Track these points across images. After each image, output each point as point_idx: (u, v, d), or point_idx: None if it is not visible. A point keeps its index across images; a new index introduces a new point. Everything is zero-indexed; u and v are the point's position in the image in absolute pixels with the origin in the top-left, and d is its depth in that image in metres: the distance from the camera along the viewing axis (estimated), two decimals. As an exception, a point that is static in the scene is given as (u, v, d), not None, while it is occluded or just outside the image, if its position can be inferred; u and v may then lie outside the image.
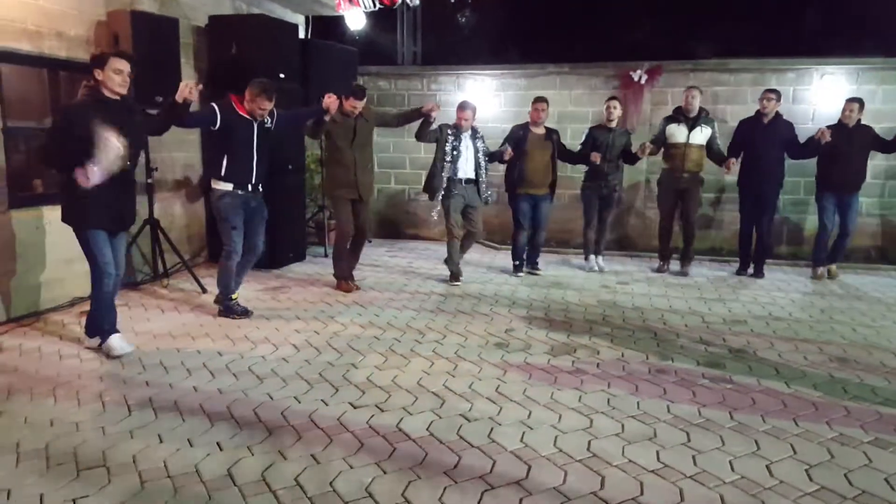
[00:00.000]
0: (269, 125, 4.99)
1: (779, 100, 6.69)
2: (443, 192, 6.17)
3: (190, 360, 4.19)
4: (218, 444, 3.09)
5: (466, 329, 4.96)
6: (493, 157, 6.48)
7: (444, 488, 2.73)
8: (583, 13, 10.73)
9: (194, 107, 4.76)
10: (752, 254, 6.99)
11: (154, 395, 3.64)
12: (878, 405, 3.69)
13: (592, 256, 7.16)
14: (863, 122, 6.69)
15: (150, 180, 5.82)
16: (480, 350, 4.49)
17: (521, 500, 2.66)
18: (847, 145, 6.46)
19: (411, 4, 7.80)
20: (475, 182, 6.25)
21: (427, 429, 3.28)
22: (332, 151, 5.89)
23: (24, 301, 5.02)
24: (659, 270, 7.08)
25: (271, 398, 3.63)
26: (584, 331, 4.98)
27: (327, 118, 5.42)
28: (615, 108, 6.67)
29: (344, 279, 6.04)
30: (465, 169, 6.18)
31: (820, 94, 7.83)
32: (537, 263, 6.96)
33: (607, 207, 6.95)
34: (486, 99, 8.49)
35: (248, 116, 4.82)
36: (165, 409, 3.48)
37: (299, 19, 8.38)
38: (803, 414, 3.55)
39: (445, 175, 6.11)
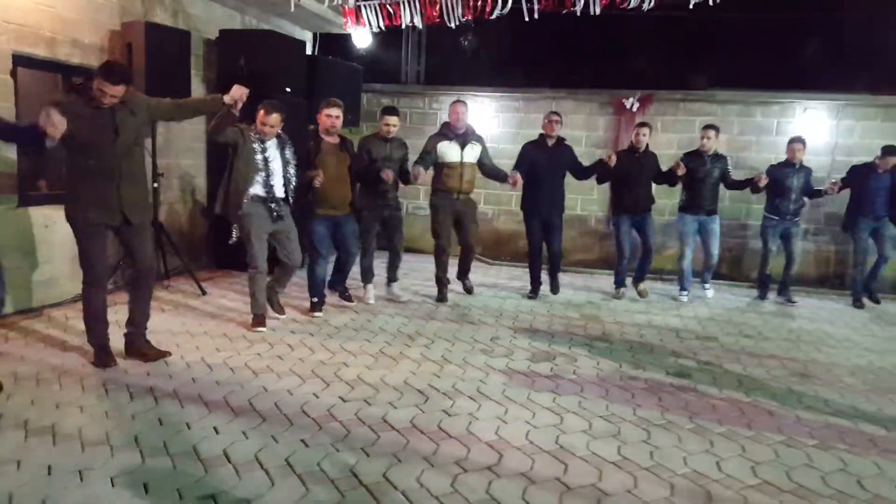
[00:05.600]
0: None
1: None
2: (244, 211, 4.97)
3: (189, 356, 4.44)
4: (215, 428, 3.35)
5: (454, 336, 5.23)
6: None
7: (422, 471, 3.00)
8: (583, 42, 11.14)
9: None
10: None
11: (155, 385, 3.89)
12: (827, 415, 3.97)
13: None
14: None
15: (155, 185, 6.10)
16: (465, 355, 4.76)
17: (490, 482, 2.93)
18: (638, 170, 6.56)
19: (414, 28, 8.14)
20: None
21: (410, 421, 3.55)
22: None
23: (31, 295, 5.26)
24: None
25: (266, 390, 3.89)
26: (565, 341, 5.26)
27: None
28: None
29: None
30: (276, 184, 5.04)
31: (802, 127, 8.15)
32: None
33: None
34: (485, 119, 8.83)
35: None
36: (165, 396, 3.74)
37: (307, 36, 8.73)
38: (758, 420, 3.83)
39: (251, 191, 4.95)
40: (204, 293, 6.09)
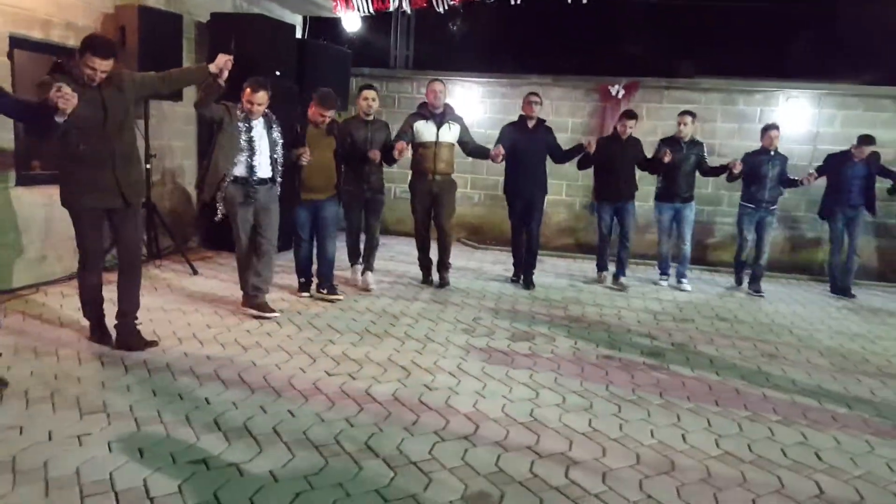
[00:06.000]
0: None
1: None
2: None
3: (181, 332, 4.59)
4: (206, 399, 3.51)
5: (438, 316, 5.40)
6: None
7: (402, 439, 3.18)
8: (571, 28, 11.23)
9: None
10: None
11: (148, 359, 4.05)
12: (793, 394, 4.18)
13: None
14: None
15: (148, 166, 6.20)
16: (448, 334, 4.94)
17: (465, 450, 3.12)
18: (620, 157, 6.60)
19: (403, 12, 8.23)
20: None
21: (392, 394, 3.73)
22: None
23: (28, 273, 5.39)
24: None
25: (255, 364, 4.06)
26: (545, 322, 5.44)
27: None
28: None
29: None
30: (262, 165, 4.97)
31: (785, 115, 8.32)
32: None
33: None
34: (472, 104, 8.95)
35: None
36: (159, 370, 3.89)
37: (297, 20, 8.81)
38: (725, 397, 4.03)
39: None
40: (195, 273, 6.23)
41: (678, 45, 11.99)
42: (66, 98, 3.31)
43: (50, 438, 3.02)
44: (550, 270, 7.53)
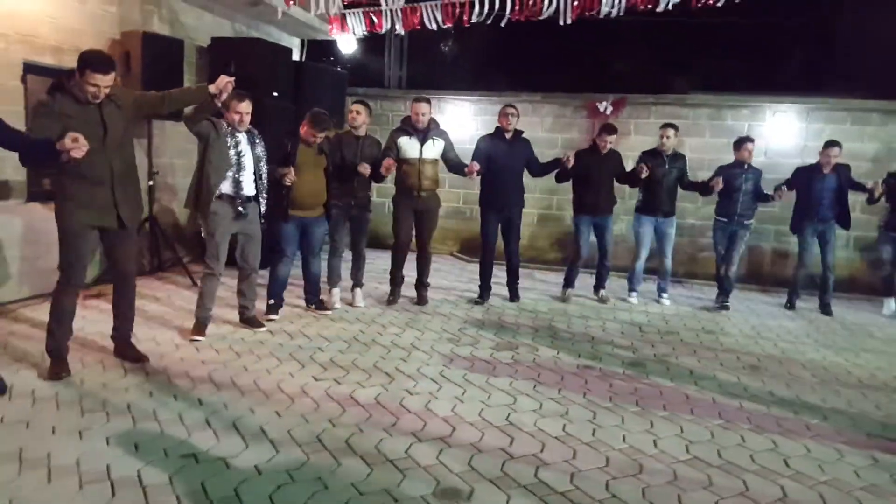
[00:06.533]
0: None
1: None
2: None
3: (178, 339, 4.80)
4: (199, 399, 3.72)
5: (425, 326, 5.59)
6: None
7: (381, 439, 3.37)
8: (561, 47, 11.53)
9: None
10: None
11: (146, 363, 4.25)
12: (770, 405, 4.25)
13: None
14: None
15: (150, 182, 6.46)
16: (433, 343, 5.11)
17: (440, 450, 3.30)
18: (597, 170, 6.55)
19: (396, 33, 8.50)
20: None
21: (375, 398, 3.91)
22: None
23: (40, 282, 5.53)
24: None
25: (246, 369, 4.26)
26: (529, 333, 5.60)
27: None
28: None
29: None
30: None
31: (773, 129, 8.47)
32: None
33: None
34: (464, 122, 9.20)
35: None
36: (156, 373, 4.11)
37: (295, 42, 9.10)
38: (700, 406, 4.15)
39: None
40: (195, 284, 6.40)
41: (670, 62, 12.27)
42: (81, 148, 3.32)
43: (53, 432, 3.23)
44: (539, 281, 7.70)
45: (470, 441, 3.42)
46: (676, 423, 3.87)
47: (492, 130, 6.50)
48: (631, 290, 7.02)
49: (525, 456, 3.30)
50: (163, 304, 5.75)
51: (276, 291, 5.53)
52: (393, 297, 6.29)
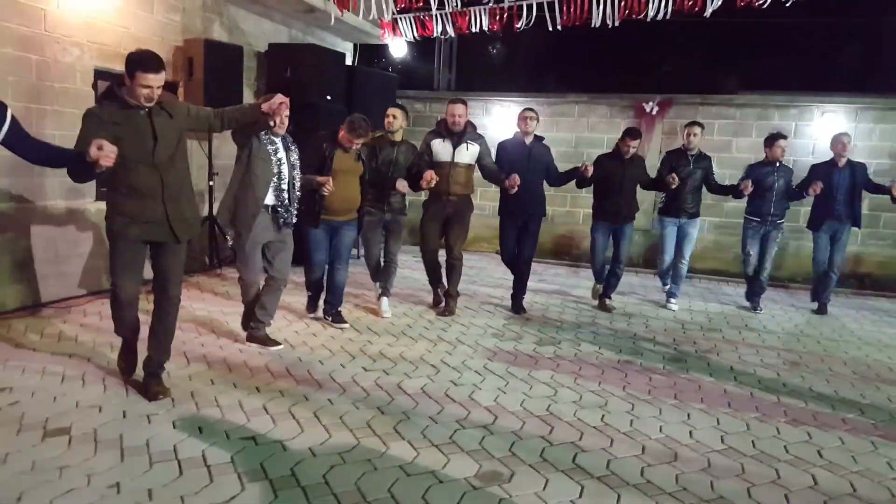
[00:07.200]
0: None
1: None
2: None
3: (237, 330, 5.07)
4: (257, 387, 3.98)
5: (470, 321, 5.78)
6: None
7: (427, 426, 3.56)
8: (610, 48, 11.56)
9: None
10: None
11: (207, 353, 4.56)
12: (809, 399, 4.34)
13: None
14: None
15: (211, 183, 6.83)
16: (478, 337, 5.30)
17: (483, 437, 3.47)
18: (620, 177, 6.23)
19: (446, 37, 8.71)
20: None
21: (421, 388, 4.11)
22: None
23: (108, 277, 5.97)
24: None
25: (300, 360, 4.51)
26: (572, 329, 5.73)
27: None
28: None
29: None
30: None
31: (820, 129, 8.39)
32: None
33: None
34: (511, 124, 9.31)
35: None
36: (216, 363, 4.38)
37: (348, 47, 9.40)
38: (738, 400, 4.24)
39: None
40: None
41: (718, 62, 12.15)
42: (109, 156, 3.11)
43: (124, 416, 3.51)
44: (582, 278, 7.77)
45: (511, 429, 3.59)
46: (713, 415, 3.96)
47: (540, 132, 6.23)
48: (670, 295, 6.81)
49: (564, 443, 3.46)
50: (222, 298, 6.09)
51: (316, 287, 5.48)
52: (438, 297, 6.17)
